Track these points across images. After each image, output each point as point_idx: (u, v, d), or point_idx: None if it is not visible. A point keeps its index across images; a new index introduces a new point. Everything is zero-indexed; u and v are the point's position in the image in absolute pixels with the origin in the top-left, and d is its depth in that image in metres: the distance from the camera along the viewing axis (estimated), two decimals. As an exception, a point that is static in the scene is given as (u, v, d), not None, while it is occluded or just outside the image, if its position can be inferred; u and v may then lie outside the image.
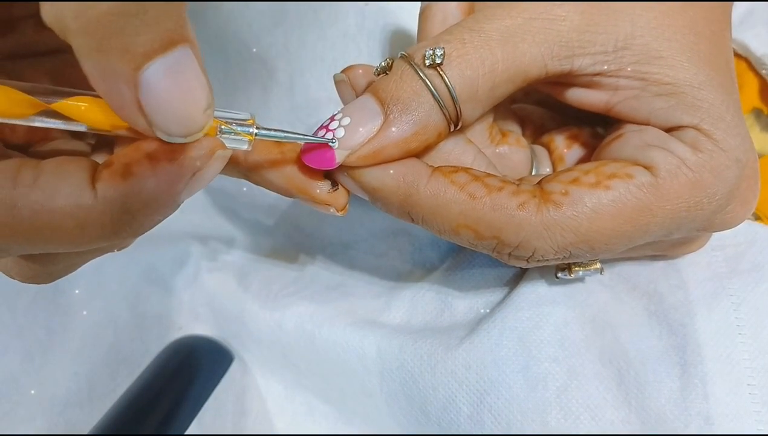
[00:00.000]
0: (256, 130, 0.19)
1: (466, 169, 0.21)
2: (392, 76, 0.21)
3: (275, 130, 0.19)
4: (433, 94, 0.20)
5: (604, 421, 0.23)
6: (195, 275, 0.39)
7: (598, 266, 0.24)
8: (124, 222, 0.17)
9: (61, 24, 0.14)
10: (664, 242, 0.23)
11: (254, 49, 0.34)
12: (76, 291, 0.36)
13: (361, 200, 0.22)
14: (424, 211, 0.21)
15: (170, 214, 0.18)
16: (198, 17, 0.36)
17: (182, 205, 0.18)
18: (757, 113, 0.32)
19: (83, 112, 0.17)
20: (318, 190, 0.21)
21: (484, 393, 0.25)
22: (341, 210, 0.22)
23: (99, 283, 0.37)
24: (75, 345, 0.35)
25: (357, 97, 0.21)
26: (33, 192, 0.16)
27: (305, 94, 0.33)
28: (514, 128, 0.27)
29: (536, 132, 0.27)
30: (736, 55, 0.33)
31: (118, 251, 0.22)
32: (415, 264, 0.34)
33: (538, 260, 0.21)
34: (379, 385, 0.29)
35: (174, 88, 0.15)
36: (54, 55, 0.21)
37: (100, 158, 0.19)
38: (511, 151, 0.25)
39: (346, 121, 0.20)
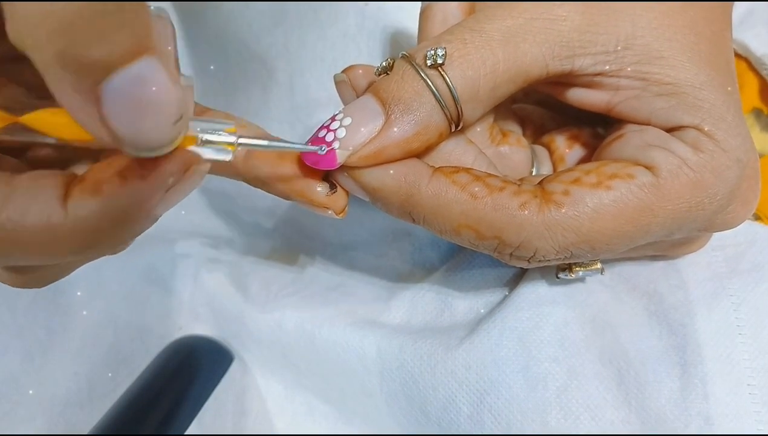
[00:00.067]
0: (238, 141, 0.18)
1: (467, 170, 0.21)
2: (393, 76, 0.21)
3: (258, 139, 0.19)
4: (434, 95, 0.20)
5: (604, 421, 0.23)
6: (195, 275, 0.39)
7: (599, 266, 0.24)
8: (96, 238, 0.17)
9: (18, 37, 0.13)
10: (665, 242, 0.23)
11: (254, 49, 0.34)
12: (77, 292, 0.36)
13: (360, 201, 0.22)
14: (425, 211, 0.21)
15: (149, 226, 0.18)
16: (198, 17, 0.36)
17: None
18: (757, 113, 0.32)
19: (52, 124, 0.16)
20: (316, 194, 0.21)
21: (484, 393, 0.25)
22: (340, 213, 0.22)
23: (99, 283, 0.37)
24: (75, 345, 0.35)
25: (357, 97, 0.21)
26: (5, 210, 0.16)
27: (305, 94, 0.33)
28: (514, 128, 0.27)
29: (537, 132, 0.27)
30: (736, 55, 0.33)
31: (112, 254, 0.22)
32: (415, 264, 0.34)
33: (539, 261, 0.21)
34: (379, 385, 0.29)
35: (137, 102, 0.14)
36: None
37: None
38: (512, 152, 0.25)
39: (348, 121, 0.20)
